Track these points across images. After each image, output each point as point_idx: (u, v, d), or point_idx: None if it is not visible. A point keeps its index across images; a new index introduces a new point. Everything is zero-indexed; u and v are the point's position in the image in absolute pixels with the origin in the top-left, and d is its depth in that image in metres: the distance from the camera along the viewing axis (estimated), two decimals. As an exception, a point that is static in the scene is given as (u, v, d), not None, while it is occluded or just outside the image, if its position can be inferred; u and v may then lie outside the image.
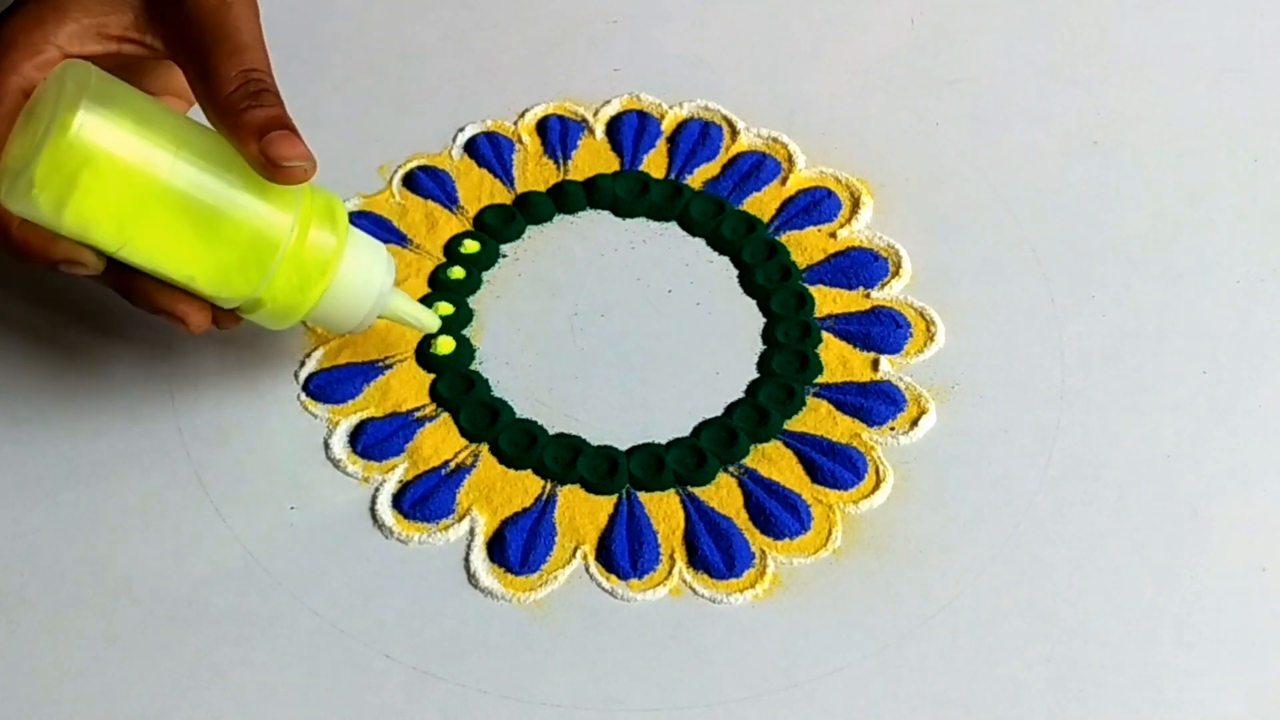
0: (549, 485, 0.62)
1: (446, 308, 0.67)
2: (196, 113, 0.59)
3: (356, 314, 0.61)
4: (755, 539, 0.61)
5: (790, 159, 0.73)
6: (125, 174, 0.55)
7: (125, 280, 0.58)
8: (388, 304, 0.62)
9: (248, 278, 0.58)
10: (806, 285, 0.68)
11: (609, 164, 0.73)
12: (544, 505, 0.62)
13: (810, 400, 0.65)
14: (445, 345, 0.66)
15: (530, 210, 0.71)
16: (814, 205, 0.71)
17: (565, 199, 0.72)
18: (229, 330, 0.61)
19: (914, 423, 0.64)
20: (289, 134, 0.57)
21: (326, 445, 0.63)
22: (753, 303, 0.68)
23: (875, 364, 0.66)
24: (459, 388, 0.65)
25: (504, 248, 0.70)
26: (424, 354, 0.66)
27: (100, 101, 0.54)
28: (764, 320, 0.67)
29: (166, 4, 0.58)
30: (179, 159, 0.56)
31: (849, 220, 0.71)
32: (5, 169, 0.55)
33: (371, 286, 0.61)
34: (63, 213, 0.55)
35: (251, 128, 0.56)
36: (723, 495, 0.62)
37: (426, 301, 0.67)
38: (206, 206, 0.57)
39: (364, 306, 0.61)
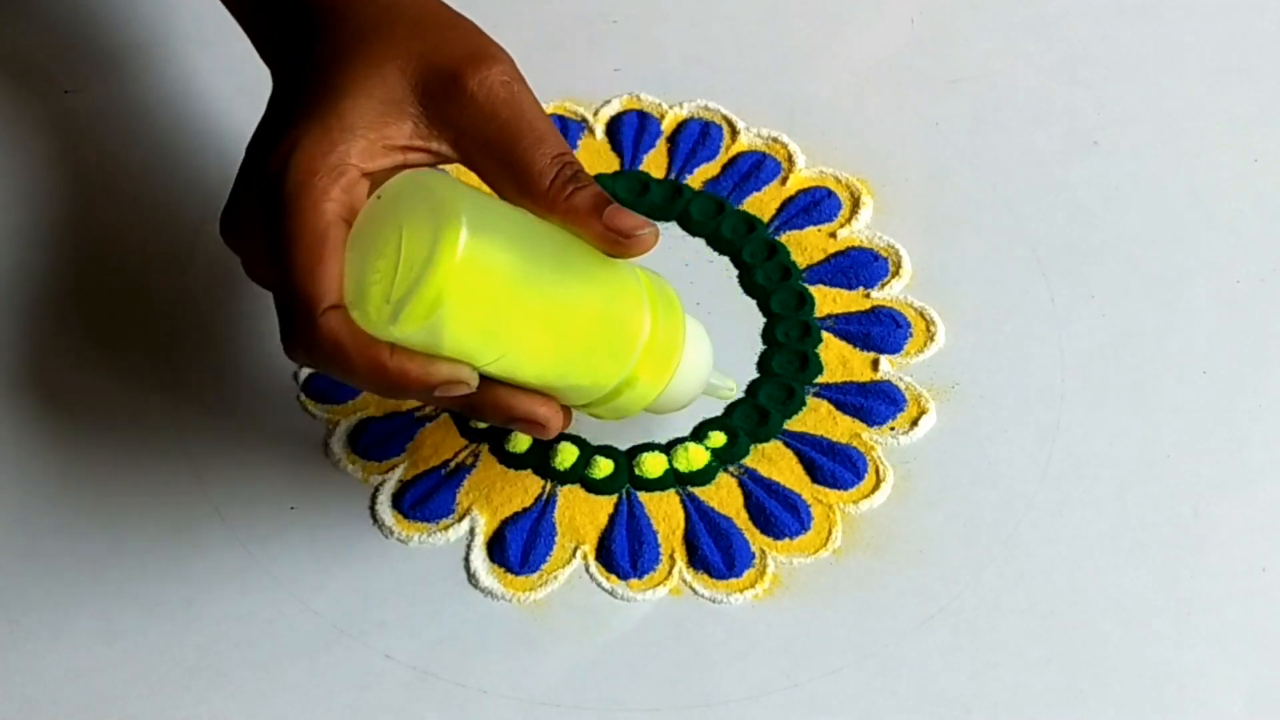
0: (549, 485, 0.62)
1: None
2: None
3: (690, 393, 0.59)
4: (755, 539, 0.61)
5: (790, 159, 0.73)
6: (507, 282, 0.52)
7: (480, 393, 0.55)
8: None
9: (614, 368, 0.56)
10: (806, 285, 0.68)
11: (609, 164, 0.73)
12: (544, 505, 0.62)
13: (810, 400, 0.65)
14: None
15: (530, 210, 0.71)
16: (814, 205, 0.71)
17: (565, 199, 0.71)
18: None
19: (914, 423, 0.64)
20: (619, 207, 0.55)
21: (326, 445, 0.63)
22: (753, 303, 0.68)
23: (875, 364, 0.66)
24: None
25: (504, 248, 0.70)
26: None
27: (476, 212, 0.52)
28: (764, 320, 0.67)
29: (448, 105, 0.55)
30: (542, 256, 0.54)
31: (849, 220, 0.71)
32: (372, 297, 0.52)
33: (704, 366, 0.59)
34: (442, 332, 0.52)
35: (585, 209, 0.55)
36: (723, 495, 0.62)
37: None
38: (576, 302, 0.54)
39: (698, 385, 0.59)
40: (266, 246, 0.54)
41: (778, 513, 0.61)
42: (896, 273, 0.69)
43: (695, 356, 0.58)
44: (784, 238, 0.70)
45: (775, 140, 0.74)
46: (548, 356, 0.55)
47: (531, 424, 0.56)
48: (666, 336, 0.57)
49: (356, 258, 0.52)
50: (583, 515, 0.62)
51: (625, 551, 0.60)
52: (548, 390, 0.55)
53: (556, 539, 0.61)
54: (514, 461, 0.63)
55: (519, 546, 0.61)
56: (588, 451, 0.63)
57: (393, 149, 0.55)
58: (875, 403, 0.64)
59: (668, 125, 0.74)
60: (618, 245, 0.55)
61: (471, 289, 0.51)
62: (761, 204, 0.71)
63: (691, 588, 0.60)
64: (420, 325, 0.51)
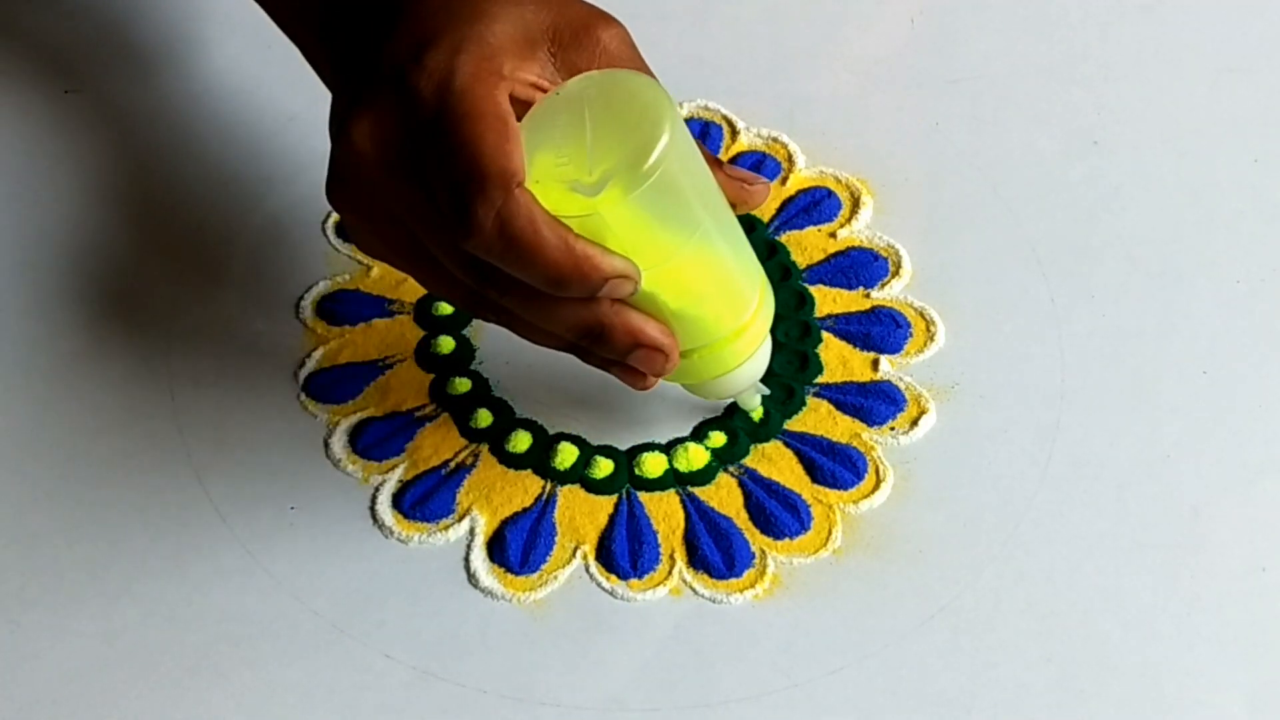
0: (549, 485, 0.62)
1: (446, 307, 0.67)
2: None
3: (743, 383, 0.61)
4: (755, 539, 0.61)
5: (790, 159, 0.73)
6: (687, 186, 0.55)
7: (612, 313, 0.56)
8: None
9: (729, 319, 0.58)
10: (806, 285, 0.68)
11: (609, 164, 0.73)
12: (544, 505, 0.62)
13: (810, 400, 0.65)
14: (445, 345, 0.66)
15: (530, 210, 0.71)
16: (814, 205, 0.71)
17: (565, 199, 0.71)
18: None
19: (914, 423, 0.64)
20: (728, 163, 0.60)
21: (326, 445, 0.63)
22: (753, 303, 0.68)
23: (875, 364, 0.66)
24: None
25: (504, 248, 0.70)
26: (424, 354, 0.66)
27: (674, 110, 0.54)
28: (764, 320, 0.67)
29: (579, 53, 0.57)
30: (709, 187, 0.56)
31: (849, 220, 0.71)
32: (562, 176, 0.53)
33: (762, 367, 0.61)
34: (634, 211, 0.53)
35: (708, 159, 0.57)
36: (723, 495, 0.62)
37: (425, 300, 0.67)
38: (725, 241, 0.57)
39: (749, 381, 0.61)
40: (403, 176, 0.54)
41: (778, 513, 0.61)
42: (896, 273, 0.69)
43: (764, 352, 0.60)
44: (784, 237, 0.70)
45: (775, 140, 0.74)
46: (692, 280, 0.56)
47: (652, 353, 0.57)
48: (764, 316, 0.59)
49: (532, 146, 0.54)
50: (583, 515, 0.62)
51: (625, 551, 0.60)
52: (670, 322, 0.57)
53: (556, 539, 0.61)
54: (514, 461, 0.63)
55: (519, 546, 0.61)
56: (588, 451, 0.63)
57: (525, 84, 0.56)
58: (875, 403, 0.64)
59: (668, 125, 0.74)
60: (742, 190, 0.59)
61: (667, 176, 0.53)
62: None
63: (691, 588, 0.60)
64: (627, 196, 0.53)
